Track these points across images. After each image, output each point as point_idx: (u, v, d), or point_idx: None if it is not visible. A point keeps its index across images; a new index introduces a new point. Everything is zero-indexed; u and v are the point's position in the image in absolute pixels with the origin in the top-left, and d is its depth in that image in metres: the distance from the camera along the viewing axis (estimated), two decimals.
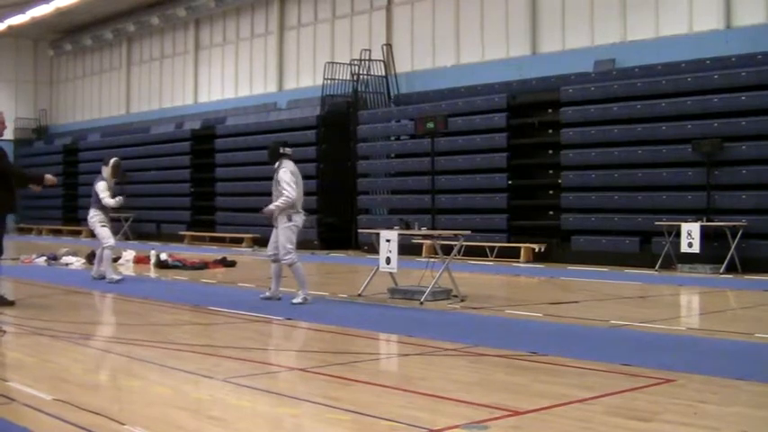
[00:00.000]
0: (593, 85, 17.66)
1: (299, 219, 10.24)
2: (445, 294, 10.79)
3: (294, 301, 10.07)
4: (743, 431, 4.57)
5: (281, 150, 10.28)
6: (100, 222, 12.73)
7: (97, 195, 12.72)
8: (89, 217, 12.94)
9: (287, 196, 9.97)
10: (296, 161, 10.56)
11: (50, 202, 33.78)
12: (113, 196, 12.87)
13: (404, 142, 21.63)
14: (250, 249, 22.43)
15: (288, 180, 9.99)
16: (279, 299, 10.44)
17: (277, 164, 10.23)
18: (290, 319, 9.07)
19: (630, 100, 16.76)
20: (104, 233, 12.73)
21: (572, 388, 5.65)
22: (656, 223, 15.45)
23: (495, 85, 19.86)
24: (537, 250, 17.44)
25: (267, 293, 10.64)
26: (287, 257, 10.10)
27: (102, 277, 12.89)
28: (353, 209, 22.11)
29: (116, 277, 12.84)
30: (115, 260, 17.17)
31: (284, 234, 10.11)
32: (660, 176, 16.17)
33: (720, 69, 15.96)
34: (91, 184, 13.25)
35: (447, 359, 6.92)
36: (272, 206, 10.11)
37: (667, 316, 9.63)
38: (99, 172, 13.03)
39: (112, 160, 13.05)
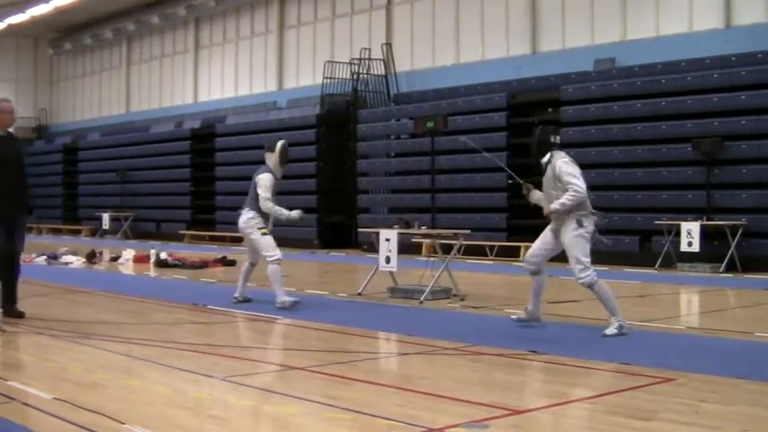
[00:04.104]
0: (593, 84, 17.66)
1: (591, 224, 7.85)
2: (445, 293, 10.79)
3: (607, 332, 7.68)
4: (744, 430, 4.56)
5: (553, 140, 8.03)
6: (260, 229, 9.74)
7: (256, 193, 9.81)
8: (242, 221, 9.84)
9: (576, 190, 7.62)
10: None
11: (50, 201, 33.78)
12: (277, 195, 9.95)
13: (403, 141, 21.62)
14: None
15: (573, 171, 7.75)
16: (539, 321, 8.30)
17: (548, 156, 7.98)
18: (289, 318, 9.06)
19: (630, 99, 16.75)
20: (268, 243, 9.71)
21: (572, 387, 5.65)
22: (656, 222, 15.44)
23: (495, 85, 19.85)
24: None
25: (522, 315, 8.36)
26: (584, 275, 7.70)
27: (247, 299, 10.23)
28: (353, 208, 22.10)
29: (289, 299, 9.66)
30: (114, 259, 17.23)
31: (575, 245, 7.76)
32: (660, 175, 16.16)
33: (720, 68, 15.95)
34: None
35: (447, 358, 6.91)
36: (555, 204, 7.73)
37: (667, 315, 9.63)
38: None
39: (279, 143, 10.02)
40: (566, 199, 7.66)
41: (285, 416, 5.00)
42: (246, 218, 9.82)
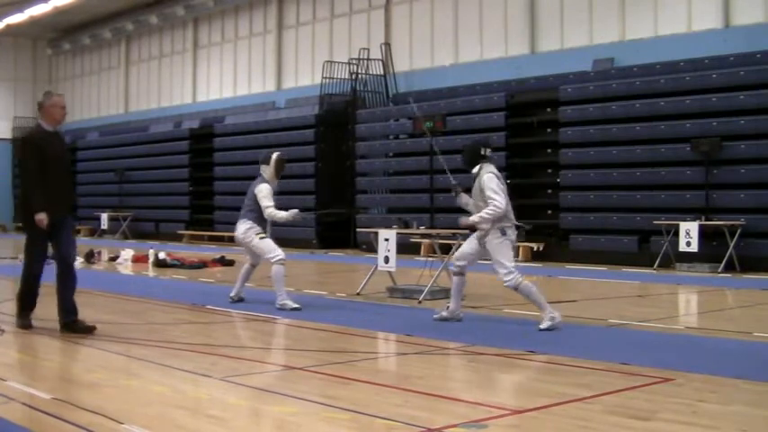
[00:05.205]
0: (591, 84, 17.67)
1: (513, 233, 8.48)
2: (444, 293, 10.76)
3: (541, 326, 8.12)
4: (742, 430, 4.57)
5: (483, 152, 8.54)
6: (258, 235, 9.92)
7: (255, 203, 9.96)
8: (239, 232, 10.00)
9: (495, 206, 8.18)
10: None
11: None
12: (277, 201, 10.08)
13: (402, 141, 21.63)
14: None
15: (495, 187, 8.26)
16: (460, 319, 8.76)
17: (477, 168, 8.48)
18: (288, 318, 9.06)
19: (629, 99, 16.76)
20: (268, 245, 9.87)
21: (570, 387, 5.65)
22: (655, 222, 15.45)
23: (494, 84, 19.86)
24: (535, 249, 17.43)
25: (443, 313, 8.80)
26: (509, 279, 8.23)
27: (240, 299, 10.34)
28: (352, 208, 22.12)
29: (291, 304, 9.64)
30: (113, 259, 17.23)
31: (499, 252, 8.30)
32: (659, 175, 16.17)
33: (719, 68, 15.97)
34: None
35: (445, 358, 6.92)
36: (474, 217, 8.37)
37: (666, 315, 9.64)
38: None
39: (275, 155, 10.14)
40: (485, 213, 8.23)
41: (284, 416, 5.00)
42: (244, 228, 9.97)
